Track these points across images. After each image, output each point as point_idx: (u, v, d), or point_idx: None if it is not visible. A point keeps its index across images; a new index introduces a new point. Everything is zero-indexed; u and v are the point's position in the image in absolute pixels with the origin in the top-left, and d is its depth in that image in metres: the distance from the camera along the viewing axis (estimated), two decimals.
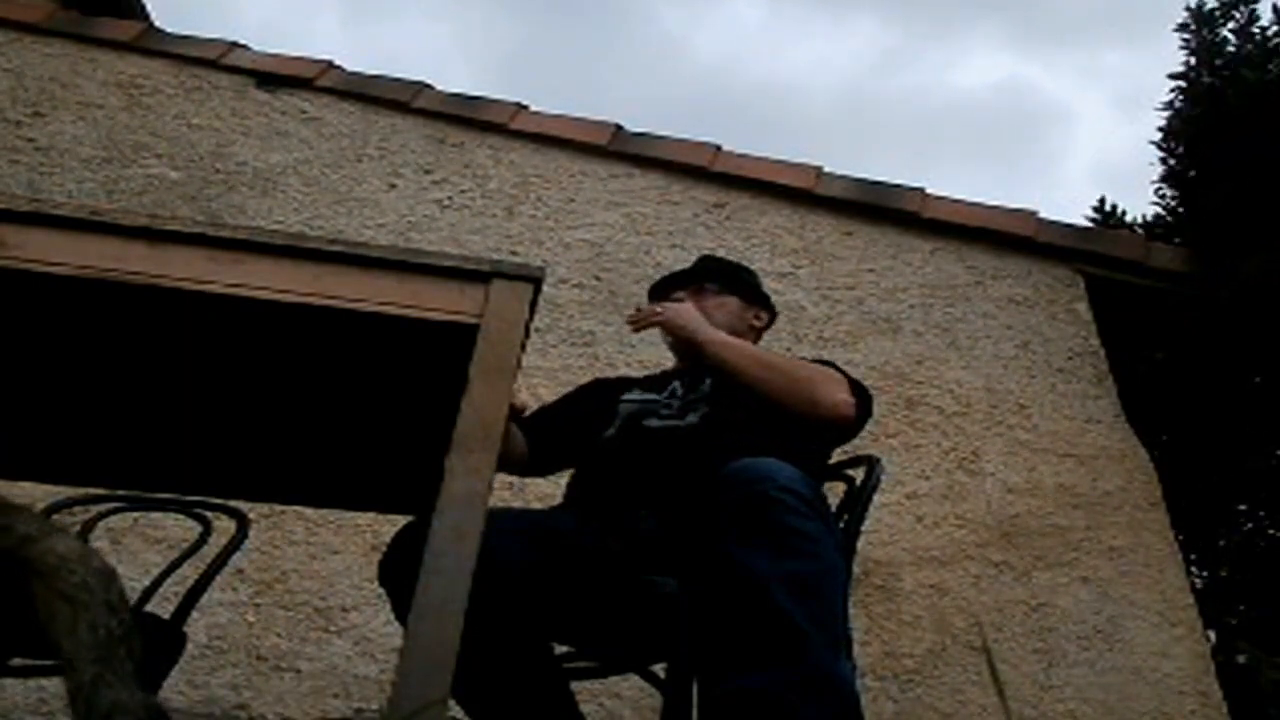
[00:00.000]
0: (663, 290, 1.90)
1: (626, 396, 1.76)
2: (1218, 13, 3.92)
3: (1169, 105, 4.04)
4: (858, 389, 1.65)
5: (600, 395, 1.82)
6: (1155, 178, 4.13)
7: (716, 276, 1.89)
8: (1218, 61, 3.83)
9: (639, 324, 1.78)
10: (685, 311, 1.75)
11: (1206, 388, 3.55)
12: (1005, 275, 3.43)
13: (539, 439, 1.74)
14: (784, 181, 3.53)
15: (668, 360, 1.92)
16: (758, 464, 1.21)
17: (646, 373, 2.04)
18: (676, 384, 1.75)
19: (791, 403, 1.59)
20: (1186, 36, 3.97)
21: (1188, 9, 4.02)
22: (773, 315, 1.95)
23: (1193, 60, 3.92)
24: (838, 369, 1.72)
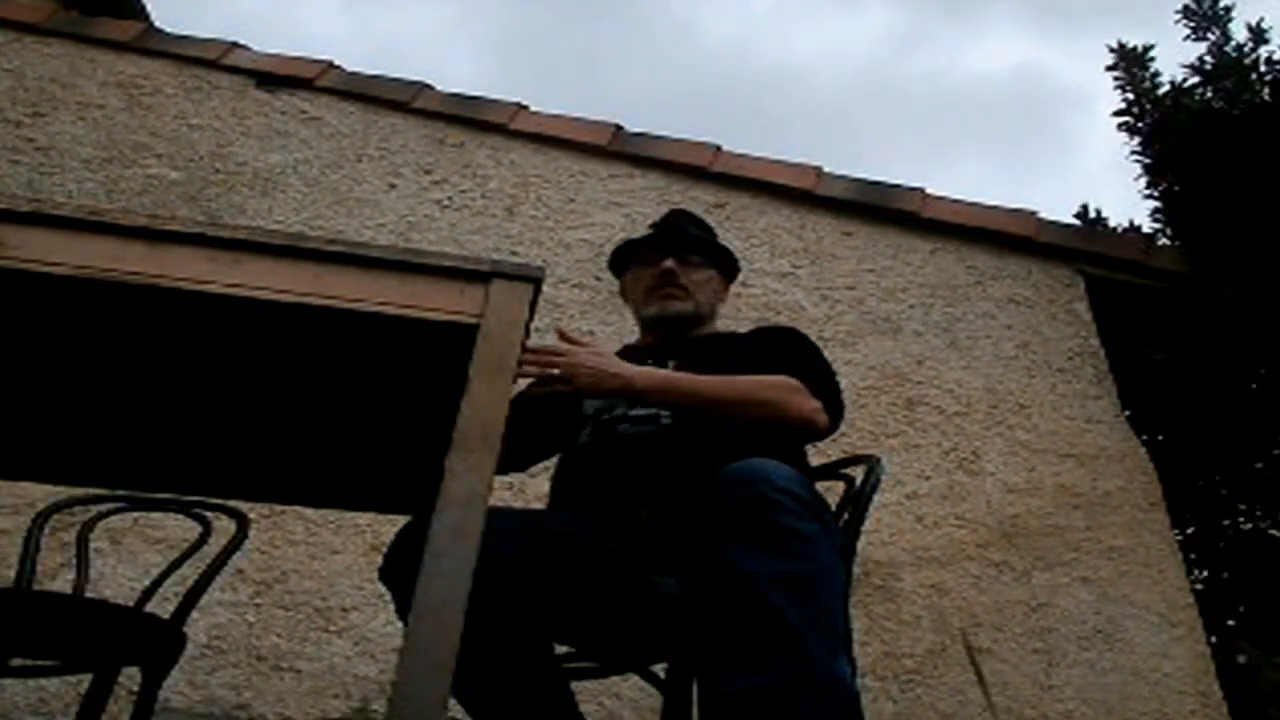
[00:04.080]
0: (630, 254, 1.81)
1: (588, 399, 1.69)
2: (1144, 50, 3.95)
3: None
4: (824, 390, 1.57)
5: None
6: (1141, 187, 4.14)
7: (700, 247, 1.81)
8: (1154, 98, 3.88)
9: (540, 390, 1.49)
10: (586, 361, 1.48)
11: (1206, 388, 3.55)
12: (1005, 275, 3.43)
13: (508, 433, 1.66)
14: (784, 181, 3.53)
15: None
16: (755, 464, 1.21)
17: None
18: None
19: (763, 426, 1.51)
20: (1119, 75, 3.98)
21: (1111, 50, 4.01)
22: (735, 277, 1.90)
23: (1132, 97, 3.94)
24: (810, 366, 1.63)
